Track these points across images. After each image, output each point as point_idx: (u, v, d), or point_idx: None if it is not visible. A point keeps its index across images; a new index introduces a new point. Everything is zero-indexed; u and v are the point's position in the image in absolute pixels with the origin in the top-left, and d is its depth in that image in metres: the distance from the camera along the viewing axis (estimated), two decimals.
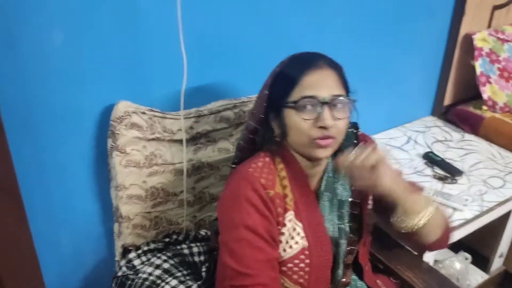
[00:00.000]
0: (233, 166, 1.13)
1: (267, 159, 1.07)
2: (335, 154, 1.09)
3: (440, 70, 2.12)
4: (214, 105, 1.38)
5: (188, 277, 1.27)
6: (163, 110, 1.31)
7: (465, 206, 1.54)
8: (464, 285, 1.82)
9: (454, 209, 1.55)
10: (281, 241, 1.04)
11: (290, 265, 1.06)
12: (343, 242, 1.12)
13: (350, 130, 1.16)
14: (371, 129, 2.03)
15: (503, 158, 1.88)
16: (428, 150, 1.91)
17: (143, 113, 1.26)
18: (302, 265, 1.06)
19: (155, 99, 1.33)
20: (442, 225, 1.11)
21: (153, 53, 1.28)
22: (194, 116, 1.34)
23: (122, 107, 1.22)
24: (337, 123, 0.99)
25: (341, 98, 1.00)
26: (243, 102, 1.42)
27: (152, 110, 1.28)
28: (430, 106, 2.22)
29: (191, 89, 1.37)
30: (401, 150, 1.93)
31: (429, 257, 1.53)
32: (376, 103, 1.97)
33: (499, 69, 2.04)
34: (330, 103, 0.98)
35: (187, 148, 1.36)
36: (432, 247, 1.16)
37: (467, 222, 1.53)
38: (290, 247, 1.05)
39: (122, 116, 1.22)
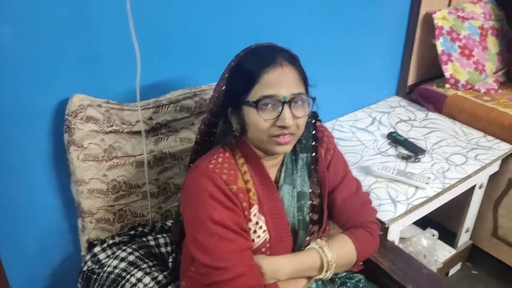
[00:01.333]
0: (191, 164, 1.12)
1: (227, 153, 1.06)
2: (294, 145, 1.11)
3: (403, 51, 2.14)
4: (173, 94, 1.37)
5: (154, 268, 1.27)
6: (120, 102, 1.29)
7: (427, 185, 1.56)
8: (431, 261, 1.86)
9: (417, 187, 1.58)
10: None
11: None
12: (302, 233, 1.13)
13: (308, 120, 1.16)
14: (336, 112, 2.05)
15: (466, 135, 1.91)
16: (392, 130, 1.93)
17: (99, 105, 1.24)
18: None
19: (112, 91, 1.31)
20: (350, 259, 1.13)
21: (106, 44, 1.26)
22: (152, 107, 1.33)
23: (77, 100, 1.20)
24: (297, 121, 1.00)
25: (301, 96, 1.00)
26: (203, 90, 1.41)
27: (108, 103, 1.26)
28: (394, 86, 2.24)
29: (148, 79, 1.35)
30: (366, 131, 1.95)
31: (394, 234, 1.55)
32: (341, 86, 1.98)
33: (460, 47, 2.06)
34: (290, 102, 0.98)
35: (147, 140, 1.35)
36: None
37: (429, 200, 1.56)
38: (253, 241, 1.05)
39: (77, 110, 1.20)
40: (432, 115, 2.07)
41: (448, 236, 2.08)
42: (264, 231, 1.06)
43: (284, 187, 1.12)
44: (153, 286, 1.20)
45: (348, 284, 1.21)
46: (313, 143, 1.16)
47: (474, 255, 2.16)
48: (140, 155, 1.34)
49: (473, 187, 1.85)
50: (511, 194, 1.91)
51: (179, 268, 1.25)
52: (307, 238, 1.14)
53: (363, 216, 1.18)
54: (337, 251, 1.10)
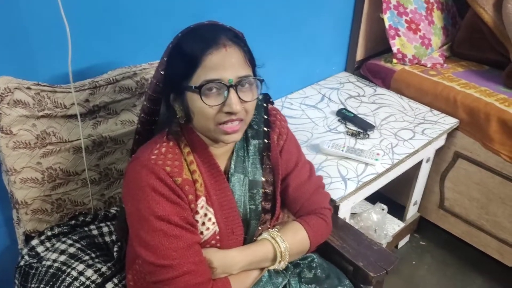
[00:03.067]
0: (132, 155, 1.04)
1: (171, 143, 0.99)
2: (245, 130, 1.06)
3: (351, 25, 2.12)
4: (111, 74, 1.28)
5: (97, 260, 1.20)
6: (52, 84, 1.19)
7: (376, 161, 1.56)
8: (381, 235, 1.89)
9: (366, 164, 1.58)
10: None
11: None
12: (254, 223, 1.08)
13: (259, 103, 1.11)
14: (285, 89, 2.02)
15: (413, 110, 1.93)
16: (342, 107, 1.92)
17: (28, 88, 1.14)
18: None
19: (42, 72, 1.21)
20: (303, 246, 1.12)
21: (32, 21, 1.15)
22: (88, 88, 1.24)
23: (2, 83, 1.09)
24: (245, 105, 0.93)
25: (249, 78, 0.93)
26: (144, 69, 1.33)
27: (38, 85, 1.16)
28: (343, 62, 2.23)
29: (83, 59, 1.26)
30: (316, 108, 1.93)
31: (344, 211, 1.55)
32: (289, 62, 1.95)
33: (406, 21, 2.06)
34: (237, 86, 0.91)
35: (84, 123, 1.26)
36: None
37: (379, 176, 1.56)
38: (202, 233, 1.00)
39: (3, 93, 1.09)
40: (381, 90, 2.08)
41: (397, 210, 2.12)
42: (213, 223, 1.01)
43: (234, 176, 1.06)
44: (96, 279, 1.14)
45: (302, 265, 1.19)
46: (265, 128, 1.11)
47: (422, 226, 2.22)
48: (77, 140, 1.25)
49: (420, 161, 1.88)
50: (456, 166, 1.96)
51: (125, 257, 1.19)
52: (259, 228, 1.10)
53: (317, 203, 1.16)
54: (290, 240, 1.07)
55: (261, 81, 0.96)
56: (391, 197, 2.18)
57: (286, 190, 1.16)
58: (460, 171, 1.95)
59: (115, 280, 1.16)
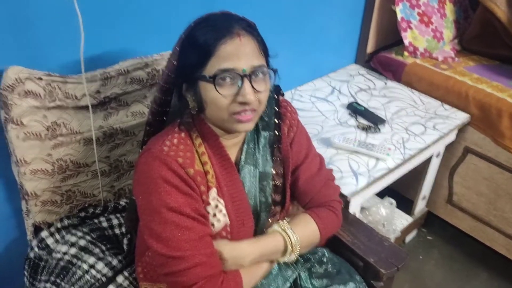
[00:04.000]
0: (143, 146, 1.02)
1: (183, 134, 0.97)
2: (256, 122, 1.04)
3: (362, 17, 2.09)
4: (123, 65, 1.26)
5: (107, 253, 1.19)
6: (63, 74, 1.17)
7: (387, 156, 1.55)
8: (390, 230, 1.88)
9: (377, 159, 1.56)
10: None
11: None
12: (264, 215, 1.08)
13: (270, 95, 1.09)
14: (295, 81, 2.00)
15: (424, 104, 1.91)
16: (352, 100, 1.90)
17: (39, 78, 1.12)
18: None
19: (53, 62, 1.19)
20: (313, 239, 1.11)
21: (44, 9, 1.13)
22: (100, 79, 1.22)
23: (13, 73, 1.07)
24: (258, 95, 0.92)
25: (262, 68, 0.92)
26: (156, 60, 1.31)
27: (49, 75, 1.14)
28: (353, 54, 2.20)
29: (94, 49, 1.24)
30: (326, 101, 1.91)
31: (355, 206, 1.54)
32: (300, 54, 1.92)
33: (419, 14, 2.03)
34: (250, 76, 0.90)
35: (95, 115, 1.24)
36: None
37: (391, 171, 1.54)
38: (213, 225, 0.99)
39: (14, 83, 1.07)
40: (391, 83, 2.05)
41: (406, 204, 2.11)
42: (224, 214, 1.00)
43: (245, 168, 1.05)
44: (107, 272, 1.13)
45: (312, 260, 1.18)
46: (276, 120, 1.09)
47: (429, 221, 2.21)
48: (88, 132, 1.24)
49: (430, 156, 1.86)
50: (466, 161, 1.94)
51: (135, 250, 1.18)
52: (270, 220, 1.09)
53: (327, 196, 1.15)
54: (300, 233, 1.06)
55: (275, 71, 0.95)
56: (400, 191, 2.17)
57: (296, 183, 1.14)
58: (469, 166, 1.94)
59: (126, 273, 1.15)
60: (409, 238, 2.18)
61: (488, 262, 2.05)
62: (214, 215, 0.99)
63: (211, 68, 0.89)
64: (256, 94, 0.91)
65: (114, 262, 1.16)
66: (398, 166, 1.57)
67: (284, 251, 1.06)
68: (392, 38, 2.15)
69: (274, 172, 1.09)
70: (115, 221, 1.31)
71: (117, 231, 1.31)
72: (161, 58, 1.32)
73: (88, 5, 1.14)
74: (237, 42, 0.89)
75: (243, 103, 0.91)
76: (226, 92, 0.90)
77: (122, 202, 1.37)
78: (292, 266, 1.13)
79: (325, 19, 1.93)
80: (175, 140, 0.96)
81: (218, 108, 0.92)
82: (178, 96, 0.99)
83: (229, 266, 0.99)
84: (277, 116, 1.10)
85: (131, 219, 1.16)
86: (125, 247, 1.24)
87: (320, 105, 1.88)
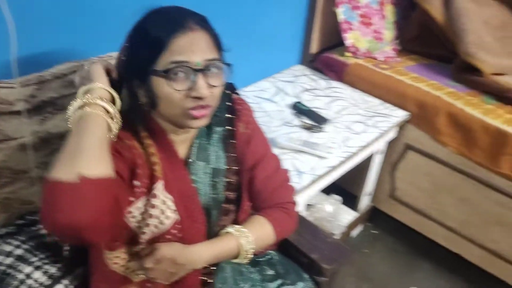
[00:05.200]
0: None
1: (126, 128, 0.95)
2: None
3: (305, 18, 2.13)
4: (59, 68, 1.22)
5: (46, 261, 1.16)
6: None
7: (329, 154, 1.59)
8: (335, 225, 1.93)
9: (320, 157, 1.60)
10: (151, 215, 0.96)
11: (162, 240, 0.99)
12: (215, 213, 1.07)
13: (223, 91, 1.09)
14: (241, 82, 2.00)
15: (366, 103, 1.97)
16: (297, 100, 1.94)
17: None
18: (174, 239, 1.00)
19: None
20: (268, 241, 1.13)
21: None
22: (34, 83, 1.18)
23: None
24: (212, 90, 0.91)
25: (216, 62, 0.91)
26: (94, 62, 1.28)
27: None
28: (298, 55, 2.24)
29: (28, 52, 1.19)
30: (271, 101, 1.94)
31: (300, 204, 1.57)
32: (244, 55, 1.92)
33: (360, 15, 2.09)
34: (204, 70, 0.89)
35: (31, 120, 1.20)
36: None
37: (333, 169, 1.59)
38: (161, 222, 0.97)
39: None
40: (335, 83, 2.11)
41: (351, 200, 2.18)
42: (173, 211, 0.98)
43: (196, 164, 1.04)
44: (45, 281, 1.10)
45: (261, 263, 1.20)
46: (229, 115, 1.09)
47: (374, 216, 2.28)
48: (23, 138, 1.20)
49: (372, 153, 1.93)
50: (407, 158, 2.02)
51: (76, 256, 1.16)
52: (223, 217, 1.09)
53: (282, 197, 1.16)
54: (255, 235, 1.07)
55: (229, 65, 0.95)
56: (345, 187, 2.23)
57: (252, 182, 1.14)
58: (410, 162, 2.02)
59: (65, 282, 1.13)
60: (355, 232, 2.25)
61: (430, 254, 2.14)
62: (163, 212, 0.98)
63: (164, 62, 0.88)
64: (210, 89, 0.91)
65: (53, 270, 1.13)
66: (340, 163, 1.62)
67: (239, 254, 1.07)
68: (336, 39, 2.21)
69: (227, 168, 1.08)
70: None
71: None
72: (99, 60, 1.29)
73: (18, 6, 1.10)
74: (190, 36, 0.88)
75: (197, 98, 0.90)
76: (180, 87, 0.88)
77: None
78: (246, 269, 1.14)
79: (269, 21, 1.95)
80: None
81: (171, 103, 0.91)
82: (129, 92, 0.96)
83: (183, 270, 0.99)
84: (230, 111, 1.09)
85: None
86: (65, 253, 1.21)
87: (265, 106, 1.90)
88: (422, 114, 1.89)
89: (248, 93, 1.98)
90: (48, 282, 1.10)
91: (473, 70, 1.90)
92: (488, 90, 1.87)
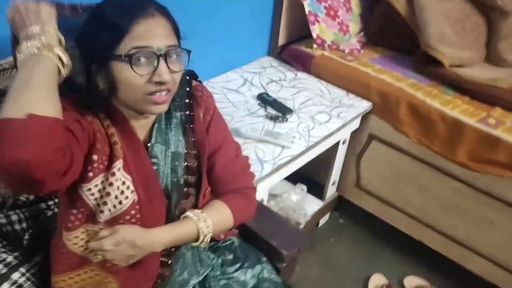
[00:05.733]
0: None
1: (88, 112, 0.95)
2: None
3: (272, 10, 2.15)
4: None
5: (2, 250, 1.16)
6: None
7: (292, 143, 1.62)
8: (300, 215, 1.97)
9: (283, 146, 1.63)
10: (109, 194, 0.97)
11: (121, 221, 1.00)
12: (176, 195, 1.09)
13: (182, 76, 1.08)
14: (207, 73, 2.02)
15: (330, 94, 2.01)
16: (263, 91, 1.96)
17: None
18: (133, 220, 1.01)
19: None
20: (227, 225, 1.15)
21: None
22: None
23: None
24: (173, 75, 0.93)
25: (177, 48, 0.94)
26: None
27: None
28: (266, 46, 2.26)
29: None
30: (237, 92, 1.96)
31: (262, 193, 1.60)
32: (211, 47, 1.95)
33: (325, 7, 2.12)
34: (166, 55, 0.91)
35: None
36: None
37: (295, 158, 1.62)
38: (120, 202, 0.99)
39: None
40: (301, 75, 2.14)
41: (318, 189, 2.21)
42: (132, 191, 0.99)
43: (156, 147, 1.06)
44: (1, 269, 1.11)
45: (221, 248, 1.24)
46: (188, 100, 1.11)
47: (341, 205, 2.33)
48: None
49: (337, 143, 1.97)
50: (371, 148, 2.07)
51: (35, 244, 1.16)
52: (184, 201, 1.11)
53: (242, 182, 1.19)
54: (215, 219, 1.10)
55: (188, 51, 0.97)
56: (312, 177, 2.26)
57: (213, 168, 1.16)
58: (373, 152, 2.06)
59: (23, 270, 1.13)
60: (322, 221, 2.30)
61: (394, 241, 2.20)
62: (122, 192, 0.98)
63: (125, 47, 0.89)
64: (171, 74, 0.92)
65: (9, 259, 1.14)
66: (302, 152, 1.65)
67: (197, 238, 1.08)
68: (304, 30, 2.23)
69: (186, 152, 1.10)
70: (14, 217, 1.27)
71: (17, 226, 1.27)
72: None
73: None
74: (151, 21, 0.90)
75: (159, 83, 0.91)
76: (142, 71, 0.90)
77: (23, 198, 1.33)
78: (205, 254, 1.17)
79: (233, 12, 1.97)
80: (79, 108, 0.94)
81: (132, 88, 0.91)
82: (87, 78, 0.95)
83: (142, 253, 1.01)
84: (189, 97, 1.11)
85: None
86: (25, 242, 1.21)
87: (231, 96, 1.92)
88: (384, 104, 1.93)
89: (215, 84, 1.99)
90: (4, 270, 1.11)
91: (434, 62, 1.95)
92: (447, 81, 1.93)
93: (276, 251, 1.31)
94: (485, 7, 2.08)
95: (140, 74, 0.90)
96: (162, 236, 1.04)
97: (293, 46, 2.21)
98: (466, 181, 1.82)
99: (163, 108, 0.97)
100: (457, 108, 1.79)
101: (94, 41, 0.91)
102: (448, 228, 1.95)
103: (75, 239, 1.02)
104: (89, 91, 0.95)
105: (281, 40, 2.23)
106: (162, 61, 0.91)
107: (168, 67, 0.92)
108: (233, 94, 1.94)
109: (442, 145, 1.82)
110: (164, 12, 0.94)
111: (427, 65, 1.98)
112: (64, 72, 0.87)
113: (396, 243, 2.19)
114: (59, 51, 0.85)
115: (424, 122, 1.84)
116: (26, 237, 1.23)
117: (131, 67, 0.89)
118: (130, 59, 0.88)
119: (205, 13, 1.83)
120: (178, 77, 0.96)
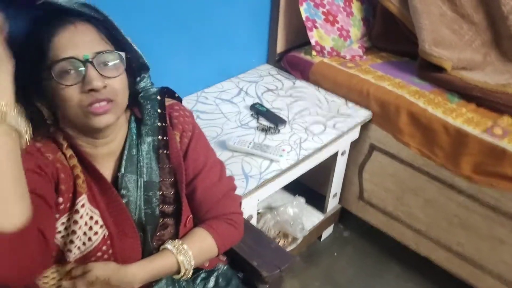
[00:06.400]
0: None
1: (50, 140, 0.91)
2: (138, 127, 1.01)
3: (269, 17, 2.08)
4: None
5: None
6: None
7: (281, 157, 1.54)
8: (296, 229, 1.89)
9: (271, 160, 1.56)
10: (75, 232, 0.91)
11: (93, 258, 0.94)
12: (151, 228, 1.02)
13: (154, 96, 1.04)
14: (202, 83, 1.97)
15: (328, 103, 1.92)
16: (257, 101, 1.89)
17: None
18: (105, 256, 0.96)
19: None
20: (210, 254, 1.10)
21: None
22: None
23: None
24: (110, 82, 0.87)
25: (106, 54, 0.87)
26: None
27: None
28: (265, 54, 2.19)
29: None
30: (231, 103, 1.89)
31: (248, 209, 1.54)
32: (204, 56, 1.89)
33: (323, 13, 2.04)
34: (94, 61, 0.85)
35: None
36: None
37: (283, 172, 1.54)
38: (90, 239, 0.93)
39: None
40: (299, 83, 2.06)
41: (321, 200, 2.12)
42: (101, 226, 0.94)
43: (126, 177, 0.99)
44: None
45: (203, 275, 1.17)
46: (160, 123, 1.03)
47: (346, 218, 2.24)
48: None
49: (335, 154, 1.88)
50: (372, 158, 1.97)
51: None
52: (161, 232, 1.04)
53: (225, 207, 1.11)
54: (196, 250, 1.03)
55: (124, 54, 0.90)
56: (314, 188, 2.18)
57: (194, 193, 1.09)
58: (375, 163, 1.97)
59: None
60: (325, 234, 2.21)
61: (399, 257, 2.09)
62: (90, 228, 0.93)
63: (50, 63, 0.84)
64: (105, 80, 0.86)
65: None
66: (292, 166, 1.57)
67: (178, 271, 1.02)
68: (303, 37, 2.16)
69: (161, 180, 1.02)
70: None
71: None
72: None
73: None
74: (72, 30, 0.85)
75: (92, 91, 0.85)
76: (70, 82, 0.84)
77: None
78: (188, 285, 1.11)
79: (228, 19, 1.91)
80: (38, 144, 0.90)
81: (67, 103, 0.85)
82: (30, 110, 0.88)
83: None
84: (161, 119, 1.04)
85: None
86: None
87: (224, 107, 1.86)
88: (384, 113, 1.83)
89: (208, 95, 1.94)
90: None
91: (436, 67, 1.84)
92: (451, 87, 1.81)
93: (257, 272, 1.24)
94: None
95: (66, 85, 0.84)
96: (138, 272, 0.97)
97: (292, 53, 2.13)
98: (472, 195, 1.69)
99: (107, 119, 0.89)
100: (461, 117, 1.68)
101: (24, 67, 0.83)
102: (455, 244, 1.83)
103: (45, 278, 0.95)
104: (37, 123, 0.88)
105: (280, 47, 2.16)
106: (90, 68, 0.85)
107: (100, 73, 0.86)
108: (226, 105, 1.88)
109: (445, 156, 1.70)
110: (88, 18, 0.88)
111: (429, 71, 1.87)
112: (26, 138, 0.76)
113: (402, 258, 2.08)
114: (18, 125, 0.72)
115: (425, 132, 1.73)
116: None
117: (57, 80, 0.83)
118: (55, 74, 0.83)
119: (192, 21, 1.77)
120: (117, 83, 0.89)
